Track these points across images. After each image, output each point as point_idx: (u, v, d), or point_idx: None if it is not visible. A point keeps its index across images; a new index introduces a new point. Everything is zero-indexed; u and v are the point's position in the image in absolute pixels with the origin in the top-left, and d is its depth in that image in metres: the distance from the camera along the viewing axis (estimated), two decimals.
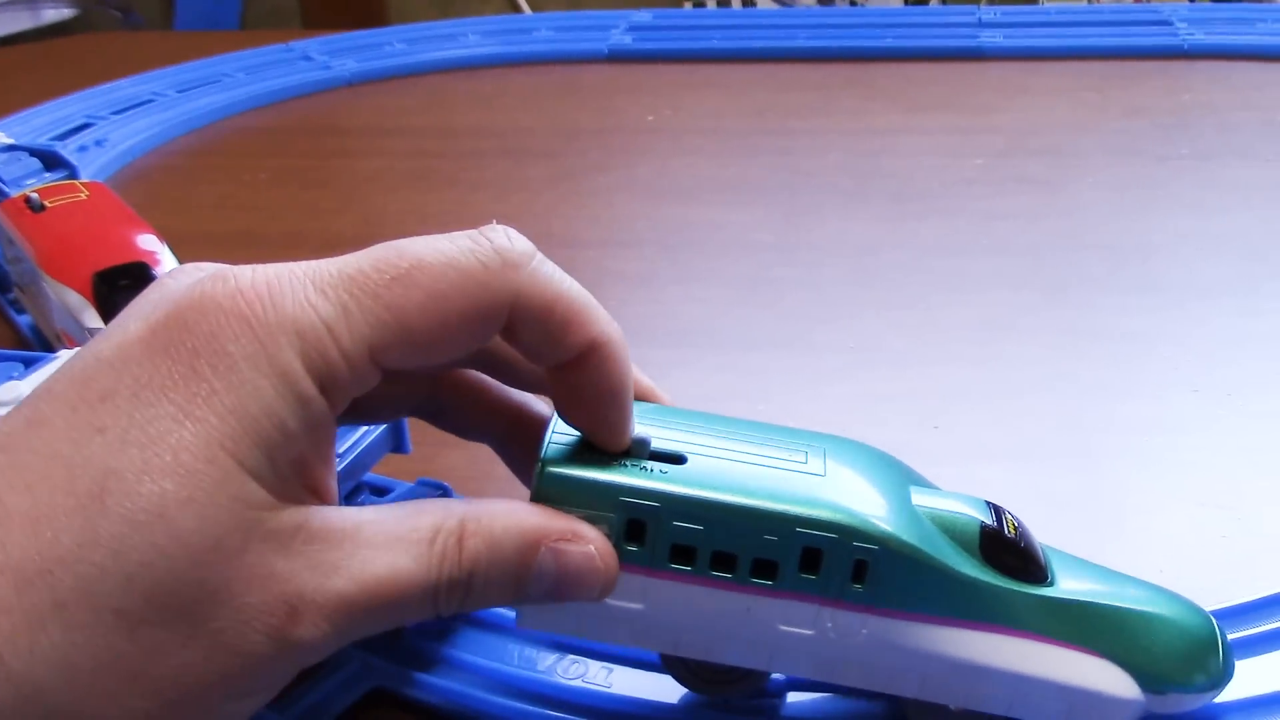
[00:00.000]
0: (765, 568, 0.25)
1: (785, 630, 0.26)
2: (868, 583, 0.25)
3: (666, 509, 0.25)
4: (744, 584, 0.25)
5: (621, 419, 0.26)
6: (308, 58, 0.87)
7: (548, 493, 0.25)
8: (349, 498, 0.34)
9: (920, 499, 0.27)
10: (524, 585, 0.25)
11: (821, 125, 0.72)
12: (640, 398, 0.29)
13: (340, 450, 0.32)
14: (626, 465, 0.26)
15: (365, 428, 0.33)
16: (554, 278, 0.25)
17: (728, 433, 0.27)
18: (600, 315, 0.25)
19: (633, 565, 0.25)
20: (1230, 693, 0.28)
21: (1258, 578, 0.33)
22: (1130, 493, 0.38)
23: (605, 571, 0.25)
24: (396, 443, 0.34)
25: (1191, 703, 0.27)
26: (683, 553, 0.25)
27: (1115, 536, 0.36)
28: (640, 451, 0.26)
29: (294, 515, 0.23)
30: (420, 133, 0.75)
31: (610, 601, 0.26)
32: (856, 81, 0.80)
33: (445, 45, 0.89)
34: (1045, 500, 0.37)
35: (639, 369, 0.29)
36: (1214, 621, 0.27)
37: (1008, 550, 0.26)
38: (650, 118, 0.75)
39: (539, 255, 0.25)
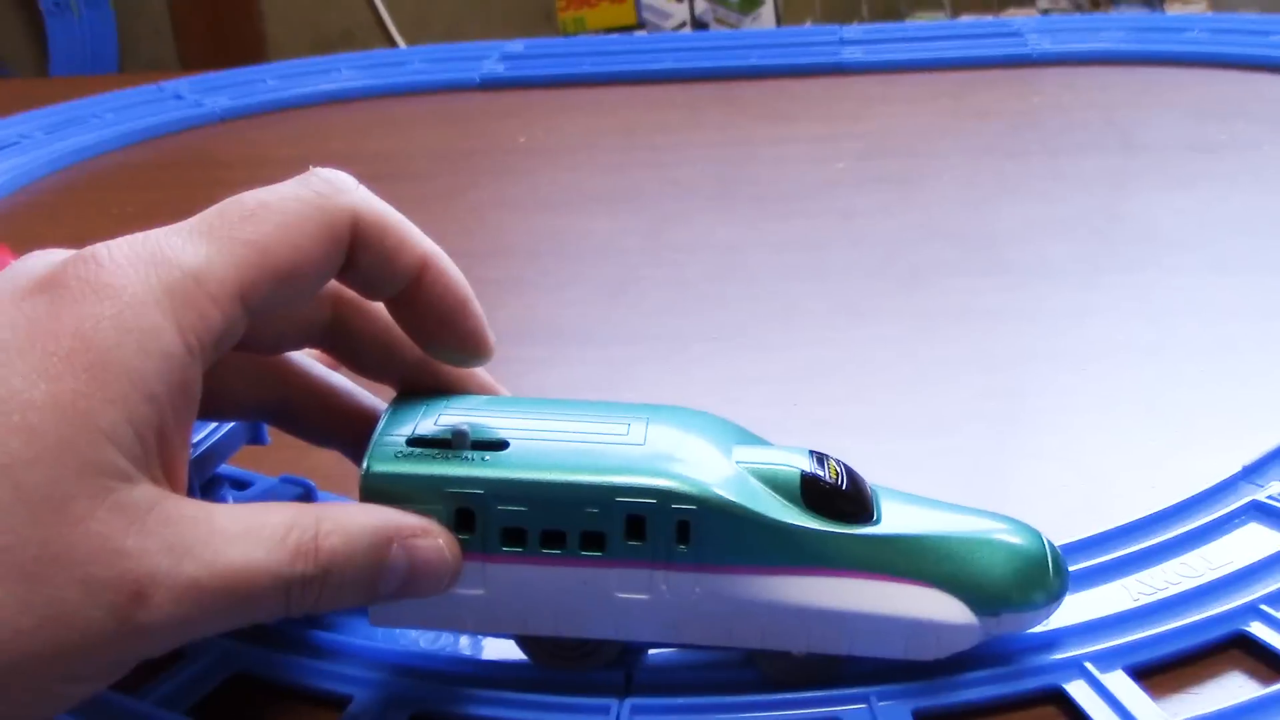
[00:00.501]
0: (593, 539, 0.26)
1: (623, 598, 0.27)
2: (692, 542, 0.26)
3: (490, 494, 0.26)
4: (575, 557, 0.26)
5: (478, 325, 0.27)
6: (179, 96, 0.87)
7: (375, 491, 0.26)
8: (207, 490, 0.34)
9: (743, 455, 0.28)
10: (377, 583, 0.25)
11: (689, 139, 0.74)
12: (480, 391, 0.30)
13: (195, 439, 0.32)
14: (449, 458, 0.26)
15: None
16: (380, 201, 0.26)
17: (552, 414, 0.28)
18: (423, 235, 0.27)
19: (468, 553, 0.26)
20: (1069, 618, 0.30)
21: (1096, 518, 0.34)
22: (979, 453, 0.39)
23: (454, 564, 0.26)
24: (253, 434, 0.34)
25: (1029, 621, 0.28)
26: (513, 534, 0.26)
27: (964, 492, 0.37)
28: (462, 443, 0.27)
29: (149, 493, 0.22)
30: (291, 163, 0.73)
31: (453, 591, 0.27)
32: (723, 98, 0.82)
33: (318, 80, 0.89)
34: (896, 463, 0.38)
35: (484, 371, 0.30)
36: (1043, 538, 0.28)
37: (828, 494, 0.27)
38: (522, 139, 0.76)
39: (361, 185, 0.26)
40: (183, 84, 0.89)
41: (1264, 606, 0.29)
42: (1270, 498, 0.33)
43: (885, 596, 0.27)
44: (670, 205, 0.63)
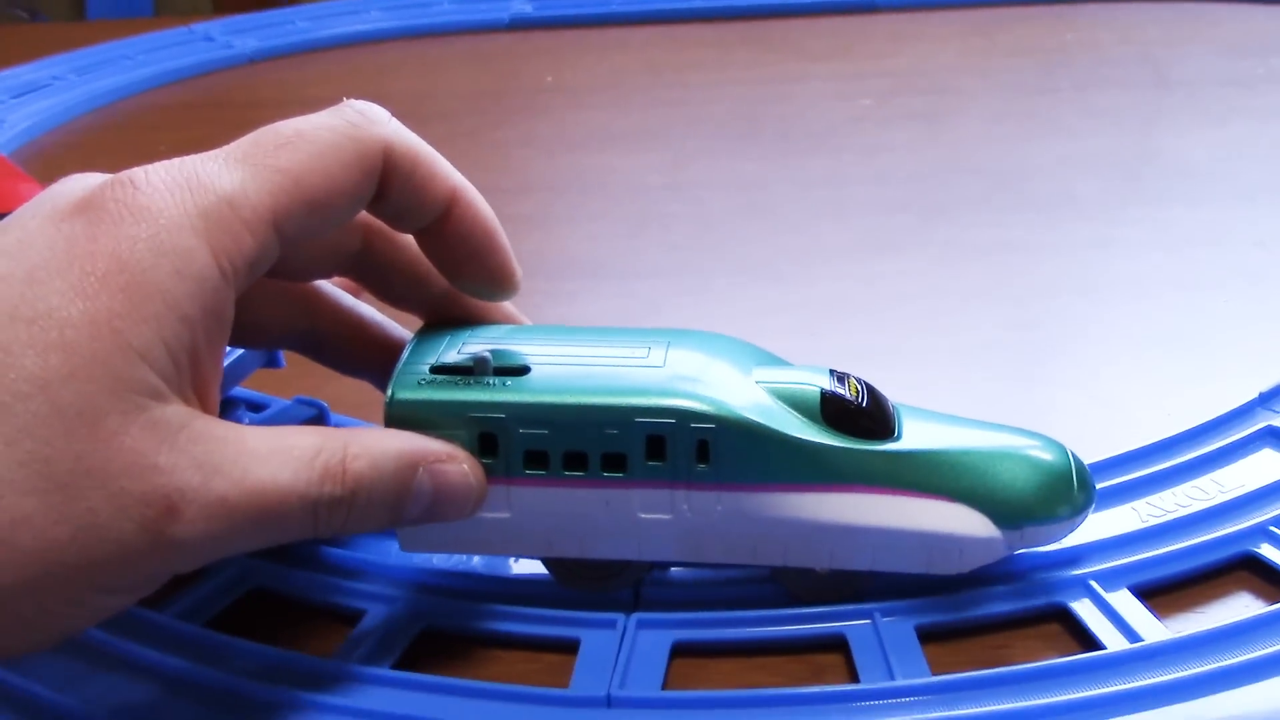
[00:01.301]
0: (615, 461, 0.26)
1: (645, 518, 0.27)
2: (712, 461, 0.26)
3: (512, 418, 0.26)
4: (597, 479, 0.27)
5: (505, 259, 0.28)
6: (209, 38, 0.87)
7: (399, 418, 0.26)
8: (223, 411, 0.34)
9: (763, 375, 0.28)
10: (402, 506, 0.25)
11: (716, 78, 0.74)
12: (504, 321, 0.30)
13: None
14: (471, 384, 0.27)
15: None
16: (412, 134, 0.26)
17: (573, 340, 0.28)
18: (453, 169, 0.27)
19: (492, 477, 0.27)
20: (1076, 538, 0.29)
21: (1111, 444, 0.34)
22: (998, 380, 0.39)
23: (478, 488, 0.26)
24: (269, 358, 0.34)
25: (1054, 534, 0.28)
26: (536, 457, 0.27)
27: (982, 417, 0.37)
28: (484, 369, 0.27)
29: (180, 412, 0.23)
30: (320, 103, 0.73)
31: (479, 514, 0.27)
32: (751, 38, 0.81)
33: (347, 21, 0.89)
34: (918, 392, 0.38)
35: (508, 303, 0.30)
36: (1068, 452, 0.28)
37: (849, 411, 0.27)
38: (549, 79, 0.76)
39: (394, 118, 0.26)
40: (213, 26, 0.90)
41: (1274, 528, 0.29)
42: None
43: (907, 511, 0.27)
44: (695, 143, 0.63)
